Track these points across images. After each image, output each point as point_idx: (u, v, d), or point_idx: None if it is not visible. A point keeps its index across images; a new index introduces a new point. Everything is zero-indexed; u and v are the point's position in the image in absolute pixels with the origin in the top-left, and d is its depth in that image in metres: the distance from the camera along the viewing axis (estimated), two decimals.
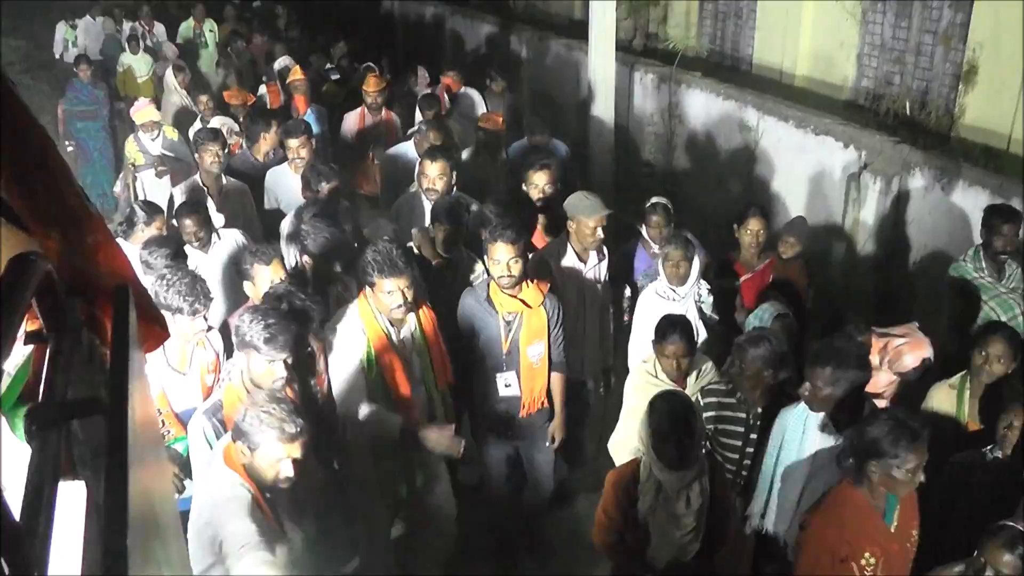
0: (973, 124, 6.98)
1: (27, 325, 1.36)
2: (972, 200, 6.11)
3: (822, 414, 3.80)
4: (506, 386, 4.66)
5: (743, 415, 4.16)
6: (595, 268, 5.26)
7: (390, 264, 4.01)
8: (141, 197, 7.23)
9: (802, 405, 3.86)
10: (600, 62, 8.91)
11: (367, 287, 4.13)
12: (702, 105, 8.97)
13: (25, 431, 1.16)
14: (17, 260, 1.22)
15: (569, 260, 5.18)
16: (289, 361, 3.54)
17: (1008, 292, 5.09)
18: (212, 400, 3.76)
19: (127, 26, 14.63)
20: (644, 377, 4.47)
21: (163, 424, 4.01)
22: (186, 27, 13.67)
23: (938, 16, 7.36)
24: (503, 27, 12.89)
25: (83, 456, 1.28)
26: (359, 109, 8.43)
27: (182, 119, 9.22)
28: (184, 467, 3.90)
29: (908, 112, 7.54)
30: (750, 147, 8.28)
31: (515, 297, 4.52)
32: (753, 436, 4.14)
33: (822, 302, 6.50)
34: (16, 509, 1.01)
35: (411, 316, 4.23)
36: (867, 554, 3.35)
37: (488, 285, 4.60)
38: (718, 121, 8.73)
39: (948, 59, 7.29)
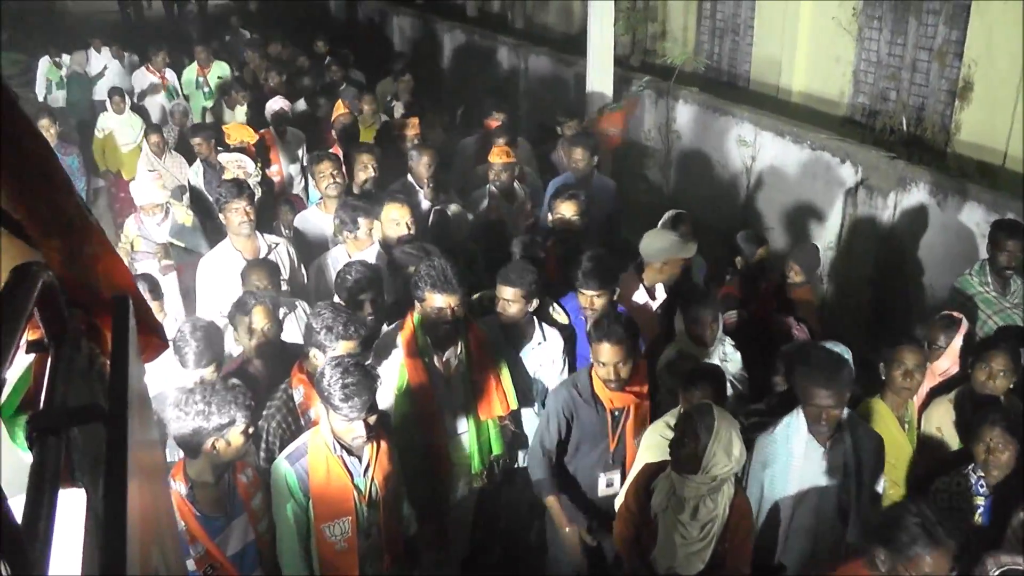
0: (969, 140, 7.03)
1: (28, 334, 1.37)
2: (968, 215, 6.14)
3: (804, 436, 3.76)
4: (607, 486, 4.25)
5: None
6: (658, 303, 5.10)
7: (443, 281, 3.97)
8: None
9: (779, 429, 3.84)
10: (598, 77, 8.95)
11: (416, 303, 4.08)
12: (699, 120, 9.01)
13: (26, 438, 1.16)
14: (19, 270, 1.23)
15: (641, 296, 5.04)
16: (371, 420, 3.35)
17: (1013, 307, 5.09)
18: (296, 445, 3.51)
19: (105, 61, 11.74)
20: (661, 431, 4.03)
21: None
22: (189, 73, 10.95)
23: (933, 33, 7.42)
24: (501, 43, 12.94)
25: (82, 464, 1.29)
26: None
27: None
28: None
29: (904, 128, 7.58)
30: (746, 162, 8.31)
31: (626, 390, 4.10)
32: None
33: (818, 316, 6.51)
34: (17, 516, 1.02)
35: (459, 339, 4.16)
36: None
37: (591, 377, 4.14)
38: (715, 136, 8.76)
39: (943, 75, 7.34)
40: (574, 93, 10.17)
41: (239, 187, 5.38)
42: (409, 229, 5.14)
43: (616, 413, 4.13)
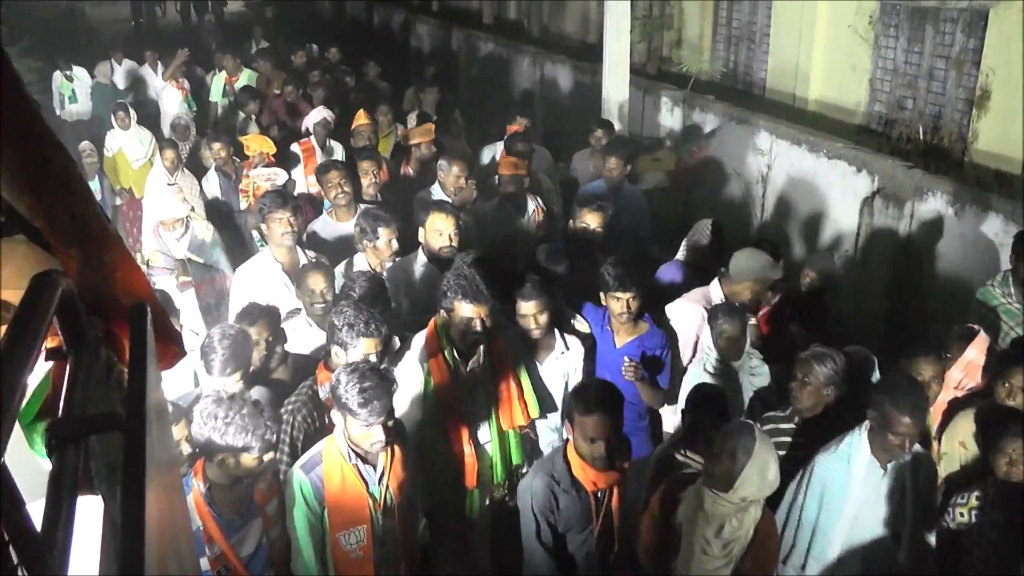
0: (986, 149, 6.99)
1: (47, 342, 1.38)
2: (985, 225, 6.10)
3: (866, 457, 3.72)
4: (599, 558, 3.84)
5: (802, 440, 4.05)
6: None
7: (474, 290, 3.91)
8: None
9: (842, 448, 3.79)
10: (615, 85, 8.95)
11: (442, 311, 4.03)
12: (715, 129, 9.00)
13: (45, 445, 1.17)
14: (40, 278, 1.24)
15: None
16: (389, 424, 3.32)
17: None
18: (311, 454, 3.48)
19: (120, 69, 11.73)
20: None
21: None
22: (217, 82, 10.62)
23: (951, 41, 7.38)
24: (518, 51, 12.96)
25: (99, 471, 1.30)
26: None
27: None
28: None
29: (921, 137, 7.55)
30: (762, 171, 8.29)
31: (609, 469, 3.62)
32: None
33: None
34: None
35: (480, 348, 4.10)
36: None
37: (566, 459, 3.62)
38: (731, 145, 8.74)
39: (961, 84, 7.31)
40: (590, 101, 10.17)
41: (283, 198, 5.26)
42: (451, 240, 4.98)
43: (599, 495, 3.65)
